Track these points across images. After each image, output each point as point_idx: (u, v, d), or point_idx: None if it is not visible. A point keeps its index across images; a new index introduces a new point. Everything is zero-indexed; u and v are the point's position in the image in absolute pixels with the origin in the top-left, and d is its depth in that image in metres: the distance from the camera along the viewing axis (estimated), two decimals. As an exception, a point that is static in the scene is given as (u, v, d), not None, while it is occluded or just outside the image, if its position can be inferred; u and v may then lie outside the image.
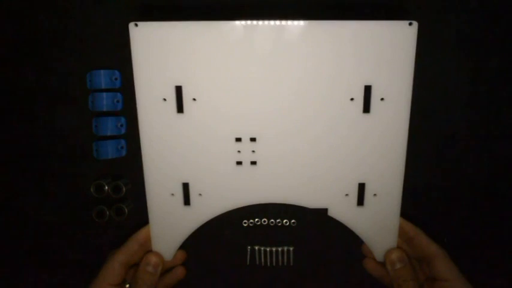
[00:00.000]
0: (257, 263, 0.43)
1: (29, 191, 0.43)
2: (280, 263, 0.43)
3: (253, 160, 0.38)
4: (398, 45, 0.35)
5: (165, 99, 0.37)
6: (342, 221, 0.39)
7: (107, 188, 0.41)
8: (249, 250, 0.43)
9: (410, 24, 0.35)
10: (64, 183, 0.42)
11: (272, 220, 0.43)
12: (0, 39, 0.42)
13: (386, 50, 0.35)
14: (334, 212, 0.39)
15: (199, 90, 0.37)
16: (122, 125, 0.42)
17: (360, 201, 0.39)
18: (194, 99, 0.37)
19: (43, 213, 0.42)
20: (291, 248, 0.43)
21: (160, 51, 0.36)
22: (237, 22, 0.35)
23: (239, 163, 0.38)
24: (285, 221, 0.43)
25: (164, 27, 0.35)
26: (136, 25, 0.35)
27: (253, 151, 0.38)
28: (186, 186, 0.39)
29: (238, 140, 0.38)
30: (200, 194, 0.39)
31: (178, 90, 0.37)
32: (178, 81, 0.37)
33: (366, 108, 0.37)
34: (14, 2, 0.41)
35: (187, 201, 0.39)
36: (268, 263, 0.43)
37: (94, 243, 0.44)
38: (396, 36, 0.35)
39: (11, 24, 0.42)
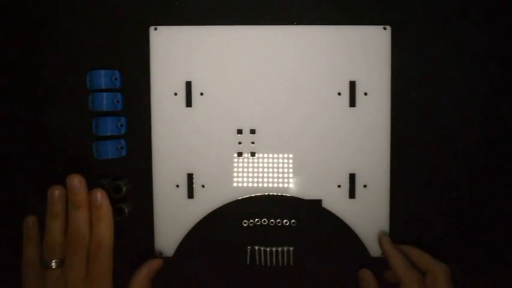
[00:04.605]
0: (257, 263, 0.43)
1: (29, 191, 0.43)
2: (280, 263, 0.43)
3: (252, 151, 0.42)
4: (376, 45, 0.41)
5: (176, 94, 0.41)
6: (335, 213, 0.42)
7: (107, 188, 0.41)
8: (249, 250, 0.43)
9: (384, 28, 0.41)
10: (64, 183, 0.42)
11: (272, 220, 0.43)
12: (0, 38, 0.42)
13: (366, 50, 0.41)
14: (328, 204, 0.42)
15: (207, 85, 0.42)
16: (122, 125, 0.42)
17: (352, 193, 0.42)
18: (202, 94, 0.42)
19: (43, 214, 0.42)
20: (291, 248, 0.43)
21: (174, 50, 0.42)
22: (240, 26, 0.42)
23: (240, 154, 0.42)
24: (285, 221, 0.43)
25: (179, 31, 0.42)
26: (155, 29, 0.41)
27: (253, 142, 0.42)
28: (190, 177, 0.42)
29: (240, 132, 0.42)
30: (203, 186, 0.42)
31: (188, 85, 0.41)
32: (189, 77, 0.42)
33: (352, 103, 0.41)
34: (14, 1, 0.41)
35: (191, 194, 0.42)
36: (268, 263, 0.43)
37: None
38: (374, 38, 0.41)
39: (11, 24, 0.42)
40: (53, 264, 0.37)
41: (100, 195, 0.38)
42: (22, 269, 0.39)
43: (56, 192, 0.38)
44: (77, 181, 0.38)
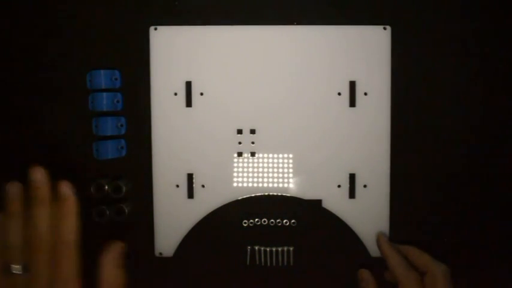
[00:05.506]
0: (257, 263, 0.43)
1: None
2: (280, 263, 0.43)
3: (252, 151, 0.42)
4: (376, 45, 0.41)
5: (176, 94, 0.41)
6: (335, 213, 0.42)
7: (107, 188, 0.41)
8: (249, 250, 0.43)
9: (384, 28, 0.41)
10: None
11: (272, 220, 0.43)
12: (0, 38, 0.42)
13: (366, 50, 0.41)
14: (328, 204, 0.42)
15: (207, 85, 0.42)
16: (122, 125, 0.42)
17: (352, 193, 0.42)
18: (202, 94, 0.42)
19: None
20: (291, 248, 0.43)
21: (174, 50, 0.42)
22: (240, 26, 0.42)
23: (240, 154, 0.42)
24: (285, 221, 0.43)
25: (179, 31, 0.42)
26: (155, 29, 0.41)
27: (253, 142, 0.42)
28: (190, 177, 0.42)
29: (240, 132, 0.42)
30: (203, 186, 0.42)
31: (188, 85, 0.41)
32: (189, 77, 0.42)
33: (352, 103, 0.41)
34: (14, 1, 0.41)
35: (190, 194, 0.42)
36: (268, 263, 0.43)
37: (94, 243, 0.43)
38: (374, 38, 0.41)
39: (10, 24, 0.42)
40: (14, 269, 0.33)
41: (66, 187, 0.35)
42: None
43: (14, 188, 0.34)
44: (40, 174, 0.34)
